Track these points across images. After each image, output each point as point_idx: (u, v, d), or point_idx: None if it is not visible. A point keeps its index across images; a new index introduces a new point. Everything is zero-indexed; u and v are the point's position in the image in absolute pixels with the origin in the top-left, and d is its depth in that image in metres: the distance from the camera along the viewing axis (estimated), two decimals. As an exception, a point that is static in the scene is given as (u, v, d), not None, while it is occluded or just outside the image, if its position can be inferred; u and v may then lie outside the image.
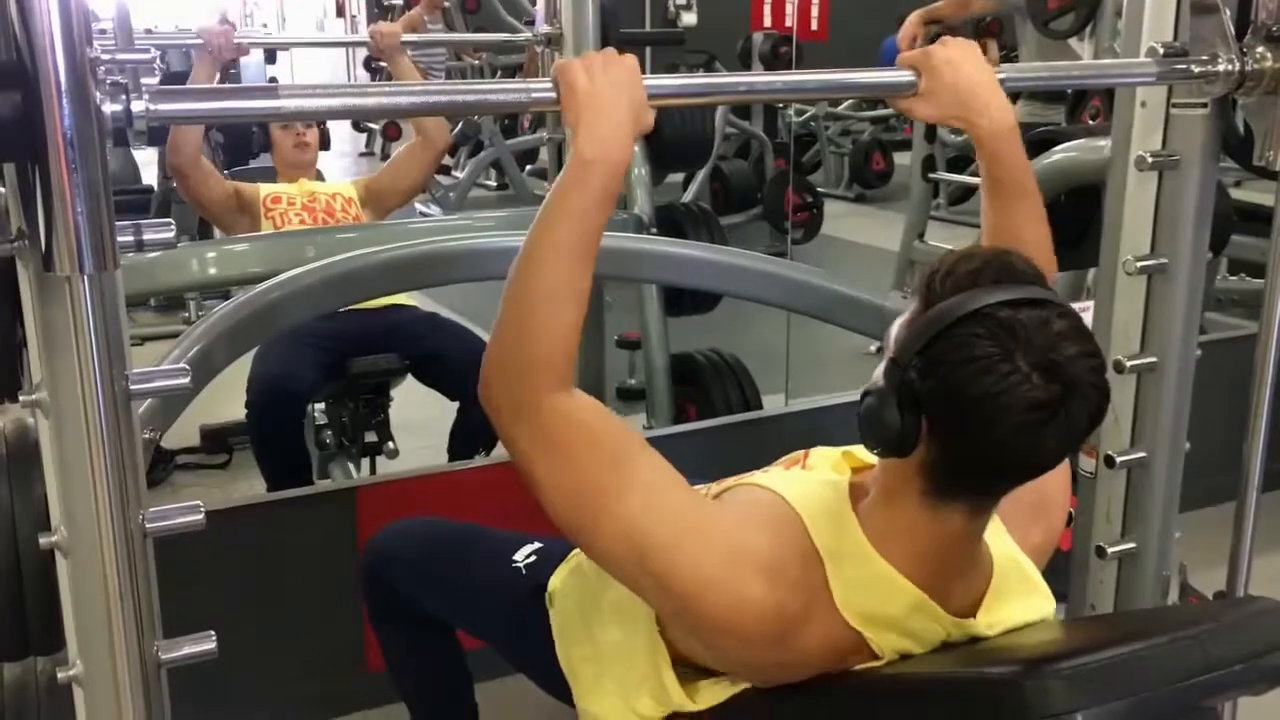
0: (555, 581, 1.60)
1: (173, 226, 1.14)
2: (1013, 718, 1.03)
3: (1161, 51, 1.78)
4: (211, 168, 3.18)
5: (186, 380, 1.17)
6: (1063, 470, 1.47)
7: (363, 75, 9.76)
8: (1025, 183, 1.55)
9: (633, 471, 1.25)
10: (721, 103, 1.54)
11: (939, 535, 1.24)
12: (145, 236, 1.13)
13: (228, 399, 2.87)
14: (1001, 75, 1.52)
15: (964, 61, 1.47)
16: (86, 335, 1.06)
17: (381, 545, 1.83)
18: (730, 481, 1.45)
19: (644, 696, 1.41)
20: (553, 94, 1.27)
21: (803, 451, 1.52)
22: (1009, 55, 4.40)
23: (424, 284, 2.08)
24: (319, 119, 1.09)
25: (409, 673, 1.91)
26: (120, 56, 1.05)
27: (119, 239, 1.06)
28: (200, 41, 2.94)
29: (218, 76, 2.98)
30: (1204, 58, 1.70)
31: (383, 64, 8.56)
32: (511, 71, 9.25)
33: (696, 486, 1.38)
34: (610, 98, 1.26)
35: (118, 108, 1.05)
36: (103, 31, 1.26)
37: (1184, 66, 1.71)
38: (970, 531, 1.26)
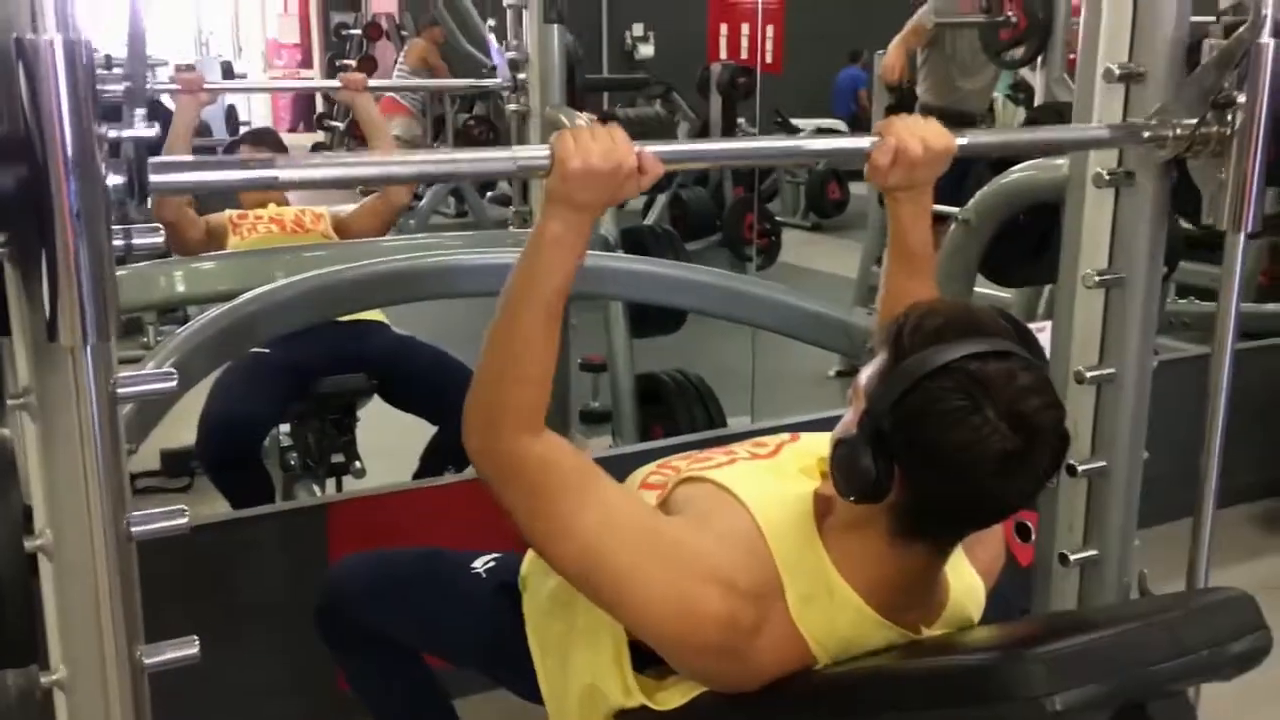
0: (526, 567, 1.63)
1: (161, 231, 1.15)
2: (993, 702, 1.05)
3: (1117, 73, 1.85)
4: (193, 215, 3.22)
5: (173, 384, 1.18)
6: None
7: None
8: (930, 254, 1.62)
9: (592, 495, 1.31)
10: (710, 167, 1.60)
11: (902, 568, 1.29)
12: (135, 241, 1.14)
13: (189, 422, 2.85)
14: (962, 141, 1.57)
15: (928, 133, 1.49)
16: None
17: (338, 581, 1.83)
18: (690, 467, 1.47)
19: (612, 684, 1.44)
20: (541, 161, 1.30)
21: (783, 438, 1.55)
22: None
23: (403, 299, 2.09)
24: (313, 188, 1.12)
25: (385, 699, 1.91)
26: (126, 134, 1.06)
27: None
28: (177, 88, 3.14)
29: (199, 116, 3.21)
30: (1154, 122, 1.78)
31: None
32: (470, 100, 9.30)
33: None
34: (597, 169, 1.28)
35: (122, 180, 1.07)
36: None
37: (1135, 132, 1.79)
38: (931, 565, 1.32)
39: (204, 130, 6.31)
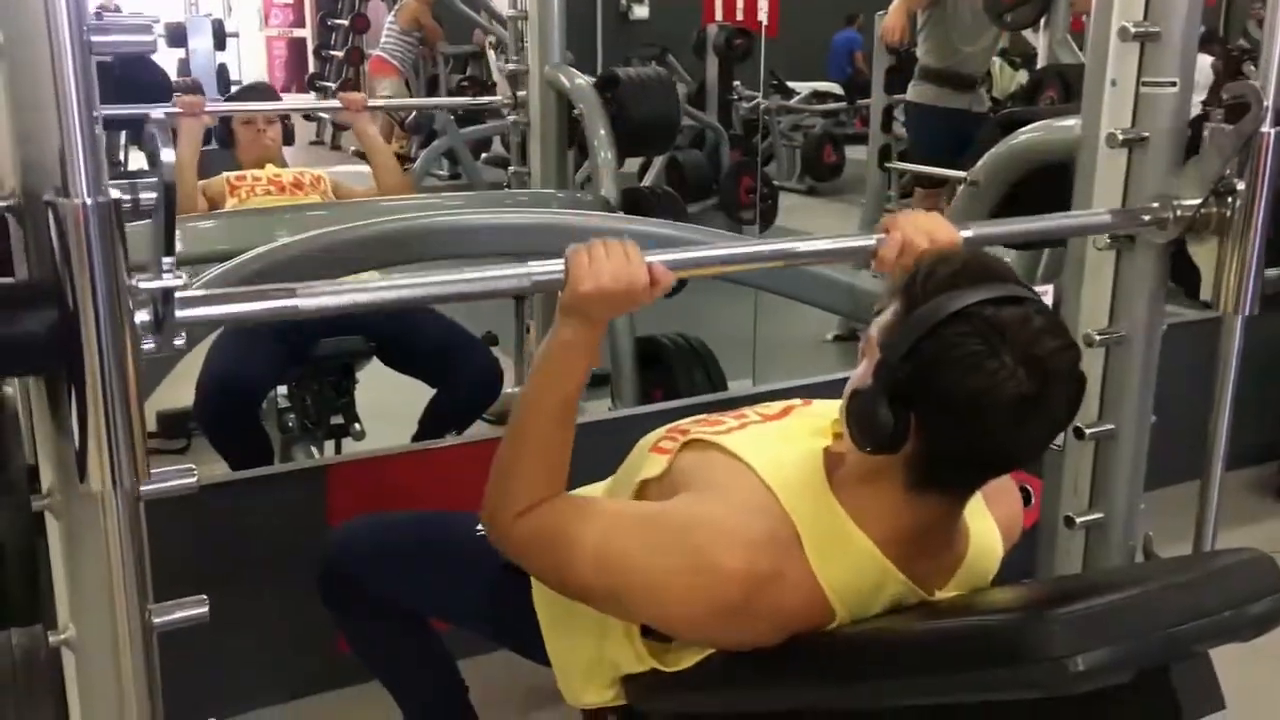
0: None
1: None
2: (1014, 663, 1.05)
3: (1132, 31, 1.84)
4: (201, 203, 3.19)
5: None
6: None
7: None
8: None
9: (588, 519, 1.36)
10: (721, 272, 1.67)
11: (918, 519, 1.28)
12: (141, 195, 1.12)
13: (187, 384, 2.83)
14: (968, 233, 1.59)
15: (934, 228, 1.50)
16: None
17: (341, 544, 1.82)
18: (698, 430, 1.46)
19: (622, 654, 1.46)
20: (555, 276, 1.34)
21: (793, 402, 1.54)
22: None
23: (410, 259, 2.06)
24: (335, 315, 1.13)
25: (389, 661, 1.90)
26: (151, 285, 1.09)
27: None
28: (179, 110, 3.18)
29: (202, 135, 3.27)
30: (1155, 205, 1.83)
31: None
32: (463, 61, 9.23)
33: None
34: (609, 289, 1.31)
35: (147, 317, 1.09)
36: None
37: (1137, 216, 1.84)
38: (949, 516, 1.32)
39: (195, 89, 6.25)
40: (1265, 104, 1.73)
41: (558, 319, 1.37)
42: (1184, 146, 1.88)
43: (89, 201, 1.00)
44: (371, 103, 3.56)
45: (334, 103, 3.64)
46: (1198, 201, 1.80)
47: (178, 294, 1.10)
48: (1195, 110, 1.93)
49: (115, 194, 1.03)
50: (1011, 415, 1.15)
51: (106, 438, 1.06)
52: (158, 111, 3.11)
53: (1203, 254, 1.85)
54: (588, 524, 1.35)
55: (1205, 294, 1.86)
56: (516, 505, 1.38)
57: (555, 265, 1.33)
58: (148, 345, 1.10)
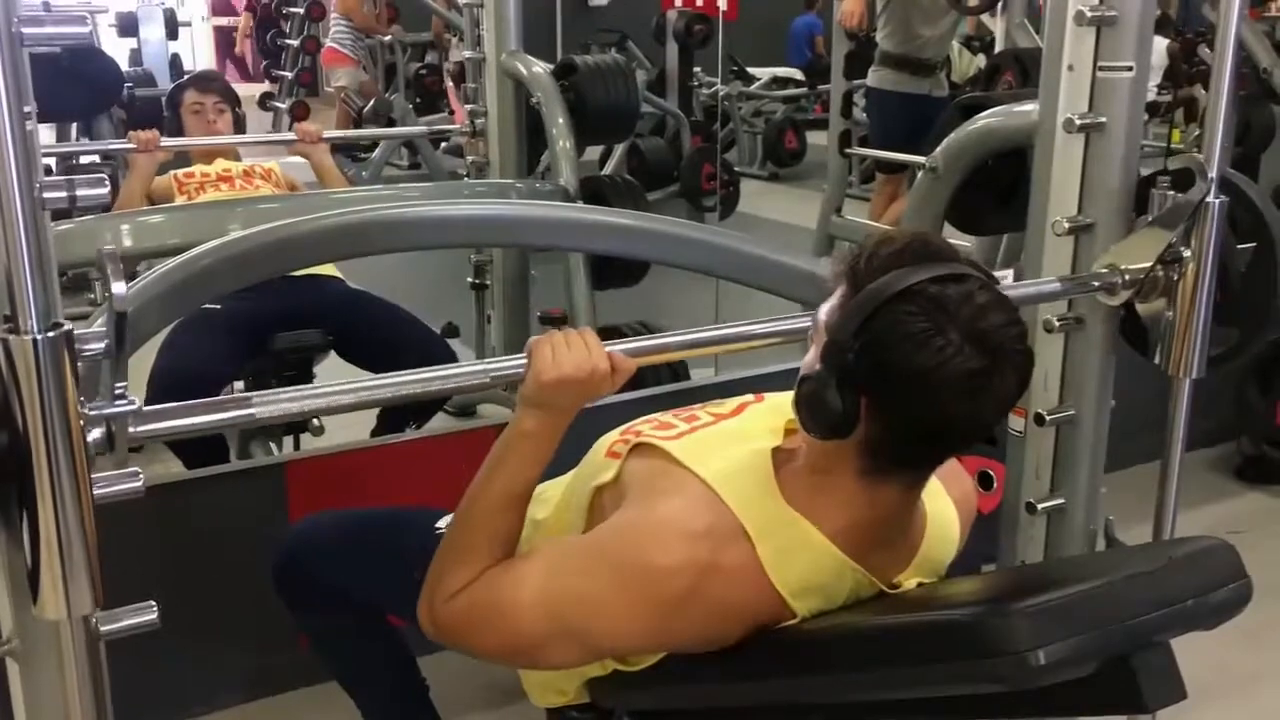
0: None
1: (106, 183, 1.10)
2: (977, 657, 1.04)
3: (1089, 15, 1.83)
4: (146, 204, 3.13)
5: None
6: None
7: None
8: None
9: (520, 573, 1.32)
10: (681, 357, 1.68)
11: (874, 508, 1.27)
12: (79, 192, 1.09)
13: (141, 378, 2.78)
14: None
15: None
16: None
17: (299, 540, 1.80)
18: (649, 434, 1.44)
19: None
20: (517, 369, 1.34)
21: (747, 399, 1.53)
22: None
23: (363, 252, 2.03)
24: (292, 420, 1.11)
25: (348, 661, 1.88)
26: (104, 411, 1.10)
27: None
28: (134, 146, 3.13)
29: (155, 170, 3.21)
30: (1104, 271, 1.86)
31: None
32: (421, 50, 9.15)
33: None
34: (571, 378, 1.31)
35: (100, 434, 1.09)
36: None
37: (1086, 283, 1.88)
38: (905, 504, 1.31)
39: (148, 80, 6.15)
40: (1210, 176, 1.79)
41: (519, 411, 1.36)
42: (1141, 132, 1.88)
43: (39, 338, 0.98)
44: (326, 134, 3.48)
45: (289, 135, 3.55)
46: (1146, 265, 1.83)
47: (131, 411, 1.10)
48: (1151, 94, 1.93)
49: (67, 325, 1.01)
50: (960, 391, 1.15)
51: (60, 563, 1.05)
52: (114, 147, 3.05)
53: (1151, 318, 1.91)
54: (520, 578, 1.31)
55: (1153, 356, 1.92)
56: (449, 589, 1.34)
57: (516, 360, 1.35)
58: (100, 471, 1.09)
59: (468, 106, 3.51)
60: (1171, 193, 1.83)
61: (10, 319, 0.99)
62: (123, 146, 3.08)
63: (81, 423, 1.03)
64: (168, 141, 3.25)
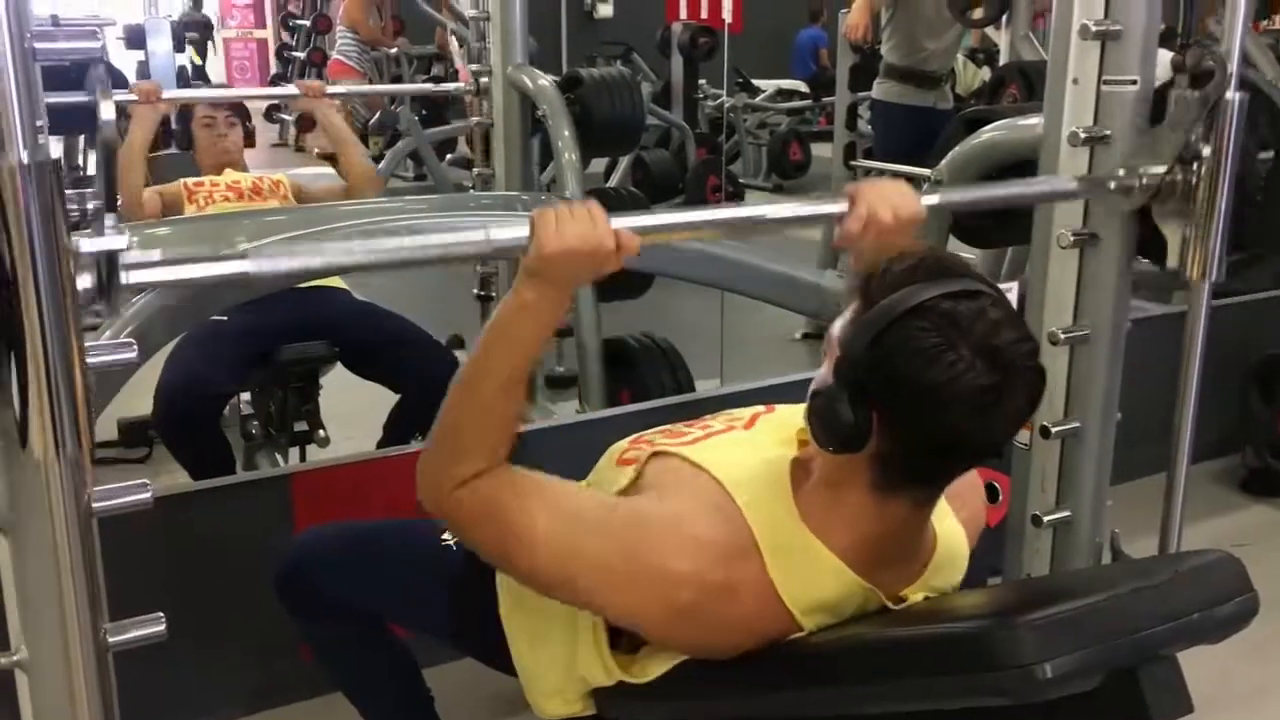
0: None
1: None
2: (982, 670, 1.04)
3: (1093, 29, 1.84)
4: (156, 205, 3.13)
5: (133, 355, 1.14)
6: None
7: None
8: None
9: (541, 505, 1.32)
10: (688, 237, 1.64)
11: (884, 523, 1.28)
12: (89, 205, 1.10)
13: (147, 392, 2.79)
14: (931, 200, 1.58)
15: (897, 200, 1.49)
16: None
17: (304, 550, 1.80)
18: (661, 442, 1.45)
19: (591, 667, 1.44)
20: (519, 242, 1.30)
21: (758, 410, 1.53)
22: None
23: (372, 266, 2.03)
24: (289, 282, 1.10)
25: (351, 672, 1.88)
26: (93, 246, 1.05)
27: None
28: (136, 98, 3.13)
29: (159, 124, 3.24)
30: (1121, 173, 1.82)
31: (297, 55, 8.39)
32: (427, 62, 9.18)
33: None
34: (575, 250, 1.28)
35: (90, 283, 1.05)
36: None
37: (1103, 183, 1.83)
38: (916, 520, 1.31)
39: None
40: (1229, 70, 1.73)
41: (520, 280, 1.31)
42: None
43: (25, 160, 0.95)
44: (330, 89, 3.49)
45: (292, 89, 3.57)
46: (1164, 169, 1.79)
47: (123, 257, 1.06)
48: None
49: (55, 153, 0.99)
50: (972, 407, 1.15)
51: (50, 405, 1.02)
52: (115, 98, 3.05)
53: (1169, 221, 1.84)
54: (539, 505, 1.30)
55: (1172, 261, 1.85)
56: (457, 474, 1.31)
57: (518, 231, 1.29)
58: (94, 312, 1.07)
59: (474, 119, 3.52)
60: (1190, 92, 1.77)
61: None
62: (125, 97, 3.08)
63: (70, 261, 1.00)
64: (169, 93, 3.27)
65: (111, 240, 1.04)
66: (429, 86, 6.29)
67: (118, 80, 4.15)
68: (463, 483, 1.32)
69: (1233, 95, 1.75)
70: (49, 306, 0.99)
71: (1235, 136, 1.76)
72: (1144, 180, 1.80)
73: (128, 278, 1.08)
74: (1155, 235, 1.88)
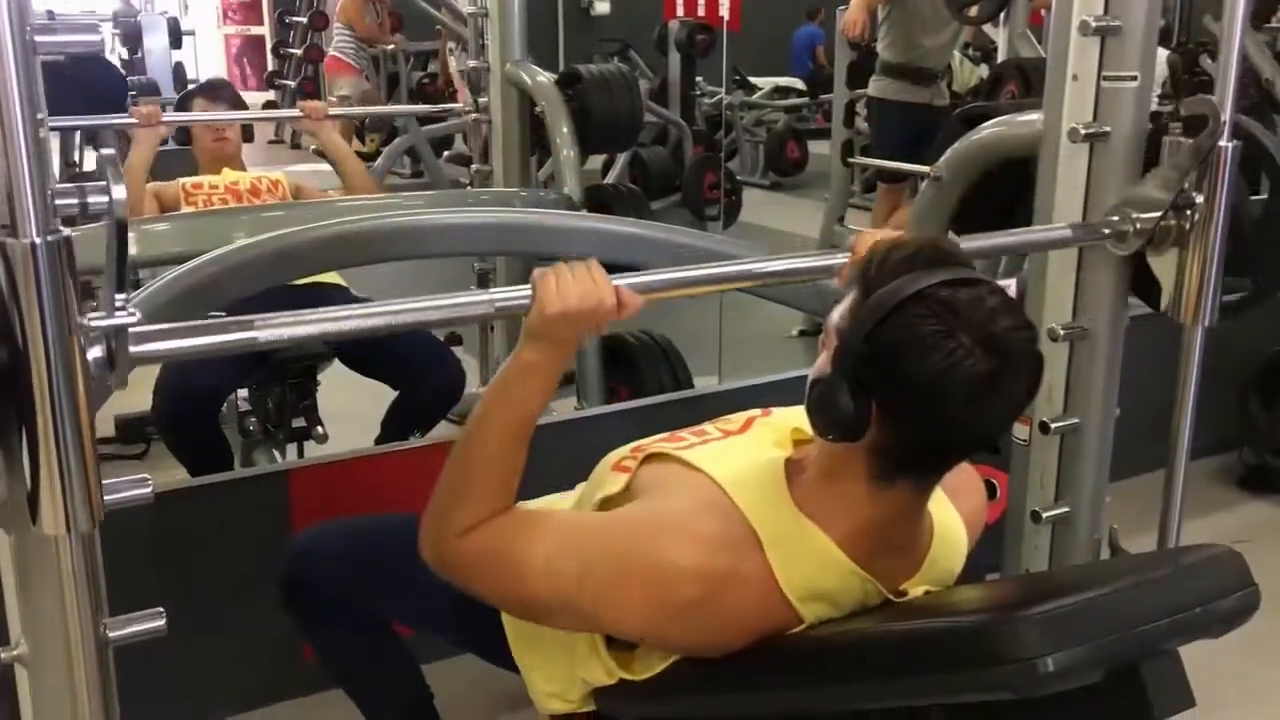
0: None
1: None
2: (984, 665, 1.04)
3: (1093, 25, 1.84)
4: (154, 208, 3.12)
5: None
6: None
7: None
8: None
9: (537, 533, 1.32)
10: (690, 294, 1.64)
11: (882, 513, 1.28)
12: (90, 199, 1.09)
13: (144, 388, 2.78)
14: None
15: None
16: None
17: (304, 550, 1.79)
18: (660, 446, 1.45)
19: (591, 668, 1.44)
20: (522, 302, 1.31)
21: (754, 413, 1.53)
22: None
23: (368, 260, 2.03)
24: (294, 344, 1.09)
25: (352, 670, 1.88)
26: (103, 323, 1.06)
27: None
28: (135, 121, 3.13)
29: (157, 145, 3.19)
30: (1114, 219, 1.84)
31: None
32: (424, 58, 9.18)
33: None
34: (576, 310, 1.29)
35: (100, 353, 1.07)
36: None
37: (1097, 230, 1.86)
38: (913, 508, 1.31)
39: (151, 89, 6.16)
40: (1223, 119, 1.76)
41: (522, 341, 1.34)
42: (1145, 141, 1.88)
43: (38, 241, 0.97)
44: (331, 111, 3.49)
45: (294, 111, 3.57)
46: (1157, 215, 1.81)
47: (131, 329, 1.08)
48: (1152, 105, 1.93)
49: (65, 231, 1.00)
50: (971, 394, 1.15)
51: (60, 479, 1.03)
52: (114, 121, 3.04)
53: (1162, 265, 1.88)
54: (537, 537, 1.31)
55: (1165, 306, 1.89)
56: (459, 525, 1.33)
57: (521, 291, 1.32)
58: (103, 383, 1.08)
59: (471, 116, 3.51)
60: (1183, 139, 1.79)
61: (9, 225, 0.97)
62: (125, 121, 3.07)
63: (80, 338, 1.02)
64: (169, 116, 3.25)
65: (121, 319, 1.07)
66: (428, 107, 6.33)
67: (117, 80, 4.14)
68: (463, 532, 1.33)
69: (1226, 144, 1.77)
70: (61, 384, 1.01)
71: (1230, 183, 1.79)
72: (1138, 225, 1.83)
73: (136, 349, 1.10)
74: (1149, 277, 1.91)
